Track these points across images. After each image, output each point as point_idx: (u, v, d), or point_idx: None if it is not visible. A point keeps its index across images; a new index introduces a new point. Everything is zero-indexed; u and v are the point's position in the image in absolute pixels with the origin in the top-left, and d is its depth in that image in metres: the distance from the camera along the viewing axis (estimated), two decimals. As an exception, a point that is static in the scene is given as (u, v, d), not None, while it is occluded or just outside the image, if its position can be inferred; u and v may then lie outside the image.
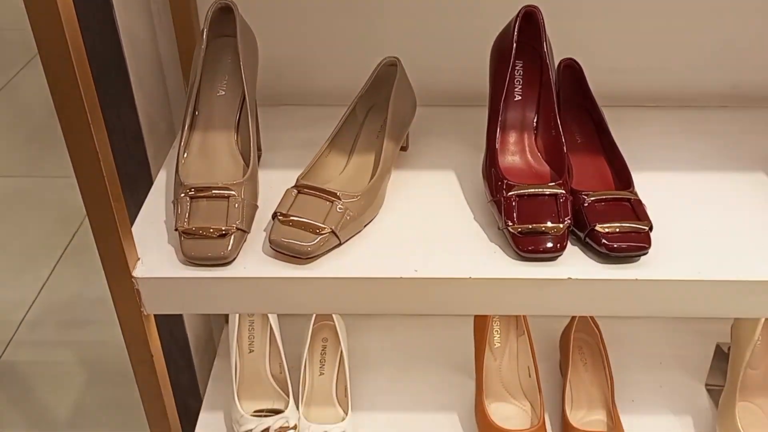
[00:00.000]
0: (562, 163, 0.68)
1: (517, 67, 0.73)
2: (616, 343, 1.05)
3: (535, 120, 0.72)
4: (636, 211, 0.66)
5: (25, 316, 1.50)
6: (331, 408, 0.94)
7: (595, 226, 0.64)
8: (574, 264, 0.65)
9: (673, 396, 1.00)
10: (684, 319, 1.10)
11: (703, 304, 0.64)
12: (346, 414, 0.91)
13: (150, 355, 0.66)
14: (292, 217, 0.65)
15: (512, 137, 0.72)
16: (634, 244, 0.63)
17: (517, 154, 0.71)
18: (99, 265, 0.61)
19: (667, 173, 0.78)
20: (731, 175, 0.77)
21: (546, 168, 0.70)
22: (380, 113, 0.78)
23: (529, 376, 0.93)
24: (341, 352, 0.97)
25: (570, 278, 0.63)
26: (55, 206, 1.78)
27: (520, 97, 0.72)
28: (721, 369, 0.98)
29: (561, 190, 0.65)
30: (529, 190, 0.65)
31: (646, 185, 0.70)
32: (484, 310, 0.65)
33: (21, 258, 1.66)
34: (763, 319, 0.89)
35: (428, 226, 0.70)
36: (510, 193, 0.65)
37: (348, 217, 0.66)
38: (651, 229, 0.65)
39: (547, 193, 0.65)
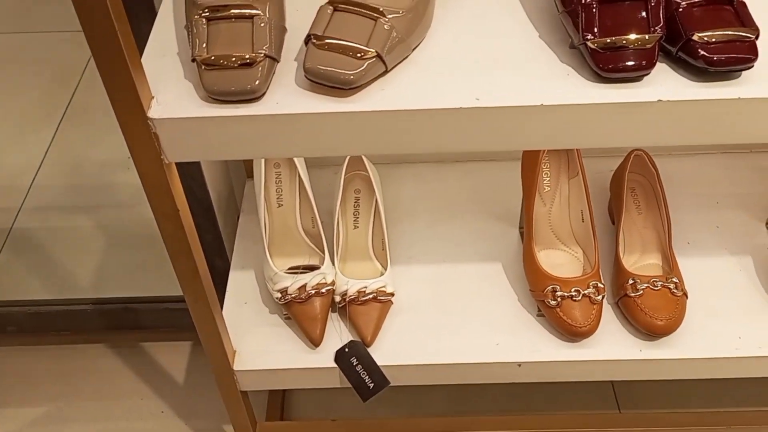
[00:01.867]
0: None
1: None
2: (669, 183, 0.98)
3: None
4: (740, 15, 0.55)
5: (33, 181, 1.43)
6: (369, 262, 0.88)
7: (692, 35, 0.53)
8: (664, 83, 0.55)
9: (732, 236, 0.93)
10: (741, 154, 1.02)
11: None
12: (385, 268, 0.85)
13: (176, 209, 0.59)
14: (329, 40, 0.54)
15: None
16: (738, 56, 0.53)
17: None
18: (104, 124, 0.52)
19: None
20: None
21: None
22: None
23: (582, 221, 0.86)
24: (376, 202, 0.90)
25: (660, 100, 0.53)
26: (50, 63, 1.65)
27: None
28: (788, 205, 0.91)
29: None
30: (613, -6, 0.54)
31: None
32: (559, 144, 0.56)
33: (21, 120, 1.56)
34: None
35: (486, 47, 0.59)
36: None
37: (395, 38, 0.55)
38: (758, 37, 0.54)
39: (635, -4, 0.54)
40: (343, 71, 0.53)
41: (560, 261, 0.86)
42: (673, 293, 0.82)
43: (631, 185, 0.94)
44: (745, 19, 0.55)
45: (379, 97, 0.55)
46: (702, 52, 0.53)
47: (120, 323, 1.11)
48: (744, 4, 0.56)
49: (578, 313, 0.80)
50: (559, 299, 0.81)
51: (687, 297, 0.84)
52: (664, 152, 1.00)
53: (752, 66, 0.54)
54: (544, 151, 0.86)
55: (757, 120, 0.54)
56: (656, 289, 0.82)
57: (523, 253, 0.87)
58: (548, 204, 0.88)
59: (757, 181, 0.99)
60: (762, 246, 0.92)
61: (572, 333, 0.81)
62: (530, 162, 0.86)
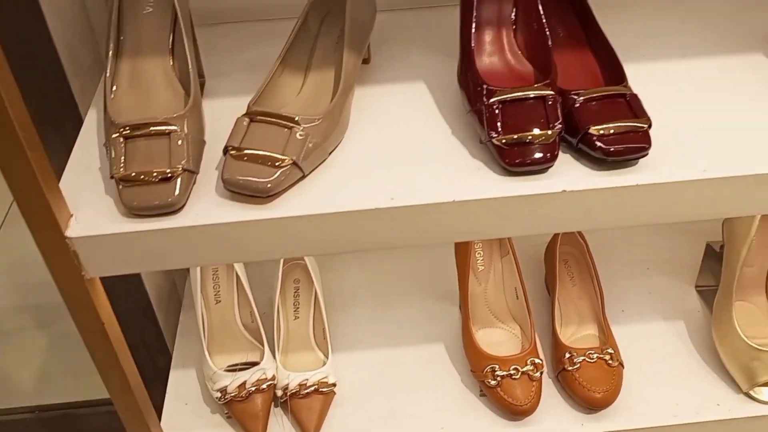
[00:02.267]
0: (548, 61, 0.60)
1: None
2: (600, 253, 1.01)
3: (513, 14, 0.63)
4: (633, 107, 0.59)
5: (-26, 283, 1.40)
6: (310, 353, 0.88)
7: (588, 128, 0.57)
8: (568, 173, 0.58)
9: (664, 301, 0.96)
10: (669, 221, 1.06)
11: (713, 205, 0.58)
12: (327, 358, 0.85)
13: (101, 322, 0.58)
14: (246, 150, 0.56)
15: (489, 36, 0.63)
16: (633, 146, 0.56)
17: (496, 54, 0.63)
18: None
19: (660, 62, 0.71)
20: (729, 59, 0.70)
21: (529, 68, 0.62)
22: (336, 21, 0.68)
23: (517, 298, 0.88)
24: (315, 292, 0.90)
25: (564, 191, 0.56)
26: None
27: (494, -9, 0.63)
28: (712, 269, 0.94)
29: (548, 91, 0.57)
30: (513, 95, 0.57)
31: (640, 78, 0.63)
32: (473, 236, 0.58)
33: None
34: (759, 215, 0.84)
35: (401, 146, 0.62)
36: (492, 100, 0.57)
37: (311, 145, 0.57)
38: (650, 126, 0.58)
39: (533, 95, 0.57)
40: (259, 180, 0.55)
41: (499, 339, 0.87)
42: (608, 364, 0.84)
43: (564, 257, 0.97)
44: (637, 111, 0.58)
45: (297, 203, 0.57)
46: (599, 144, 0.56)
47: (62, 430, 1.07)
48: (636, 97, 0.60)
49: (519, 392, 0.81)
50: (498, 378, 0.81)
51: (623, 366, 0.86)
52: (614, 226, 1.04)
53: (646, 154, 0.57)
54: (475, 231, 0.89)
55: (655, 203, 0.57)
56: (592, 361, 0.83)
57: (462, 335, 0.88)
58: (483, 283, 0.90)
59: (685, 245, 1.03)
60: (693, 309, 0.94)
61: (514, 412, 0.81)
62: (462, 244, 0.88)
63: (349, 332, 0.92)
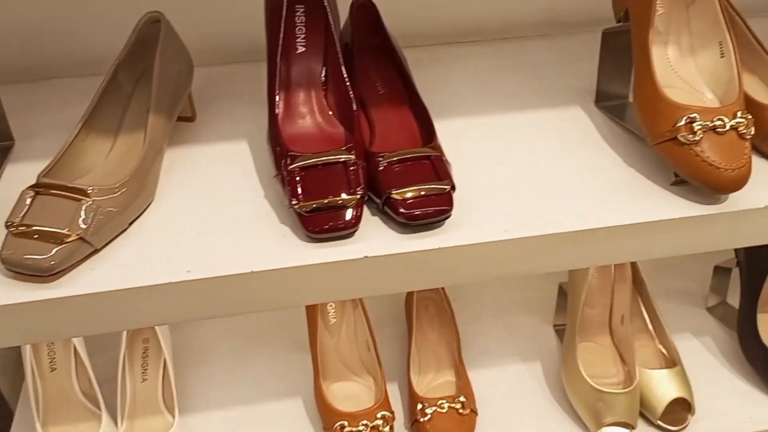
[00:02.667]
0: (352, 123, 0.59)
1: (297, 13, 0.62)
2: (462, 296, 1.02)
3: (323, 74, 0.63)
4: (437, 169, 0.58)
5: None
6: (159, 416, 0.84)
7: (390, 192, 0.56)
8: (375, 237, 0.57)
9: (523, 342, 0.97)
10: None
11: (517, 264, 0.59)
12: (175, 421, 0.82)
13: None
14: (27, 227, 0.53)
15: (299, 96, 0.62)
16: (434, 209, 0.56)
17: (307, 116, 0.62)
18: None
19: (482, 117, 0.72)
20: (549, 112, 0.72)
21: (340, 129, 0.61)
22: (150, 81, 0.66)
23: (368, 350, 0.87)
24: (164, 351, 0.87)
25: (366, 257, 0.55)
26: None
27: (303, 48, 0.62)
28: (566, 308, 0.96)
29: (349, 156, 0.57)
30: (313, 160, 0.56)
31: (459, 134, 0.64)
32: (276, 304, 0.56)
33: None
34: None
35: (209, 212, 0.60)
36: (293, 166, 0.56)
37: (102, 217, 0.54)
38: (453, 188, 0.58)
39: (334, 161, 0.56)
40: (41, 257, 0.52)
41: (354, 392, 0.86)
42: (460, 413, 0.83)
43: (425, 302, 0.97)
44: (441, 173, 0.58)
45: (86, 279, 0.54)
46: (400, 209, 0.56)
47: None
48: (441, 158, 0.59)
49: (366, 450, 0.80)
50: (348, 435, 0.80)
51: (476, 413, 0.86)
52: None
53: (449, 216, 0.57)
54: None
55: (460, 264, 0.57)
56: (443, 411, 0.83)
57: (314, 390, 0.86)
58: (336, 336, 0.88)
59: (544, 284, 1.04)
60: (550, 349, 0.95)
61: (368, 471, 0.80)
62: (311, 297, 0.86)
63: (203, 390, 0.89)
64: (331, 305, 0.89)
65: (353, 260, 0.55)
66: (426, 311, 0.96)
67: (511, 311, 1.01)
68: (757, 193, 0.61)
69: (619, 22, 0.67)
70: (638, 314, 0.95)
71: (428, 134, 0.62)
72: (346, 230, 0.55)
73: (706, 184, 0.58)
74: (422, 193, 0.56)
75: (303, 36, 0.62)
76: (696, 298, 1.04)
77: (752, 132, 0.59)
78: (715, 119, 0.58)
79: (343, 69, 0.60)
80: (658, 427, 0.86)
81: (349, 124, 0.60)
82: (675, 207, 0.60)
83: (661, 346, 0.92)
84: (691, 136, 0.58)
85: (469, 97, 0.75)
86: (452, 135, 0.68)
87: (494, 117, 0.71)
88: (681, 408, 0.86)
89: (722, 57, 0.62)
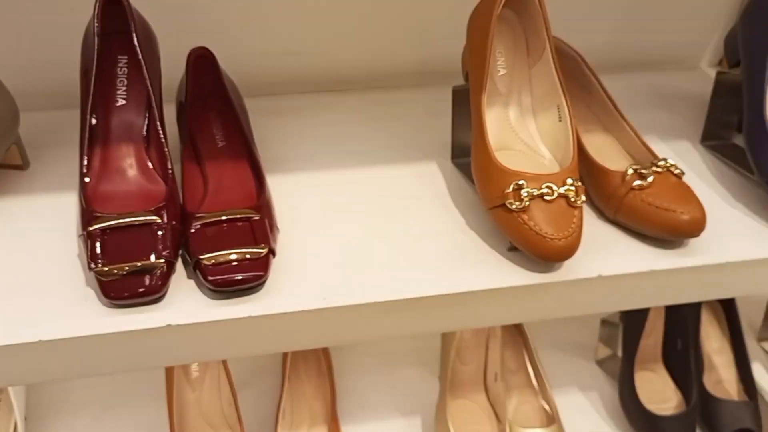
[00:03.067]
0: (167, 181, 0.56)
1: (119, 64, 0.60)
2: (346, 345, 0.99)
3: (145, 128, 0.60)
4: (255, 232, 0.56)
5: None
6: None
7: (199, 257, 0.53)
8: (183, 304, 0.54)
9: (406, 394, 0.94)
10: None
11: (334, 332, 0.56)
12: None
13: None
14: None
15: (117, 151, 0.59)
16: (245, 275, 0.53)
17: (125, 172, 0.59)
18: None
19: (330, 172, 0.69)
20: (402, 168, 0.70)
21: (161, 188, 0.58)
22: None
23: (230, 405, 0.83)
24: (14, 411, 0.82)
25: (169, 325, 0.52)
26: None
27: (124, 101, 0.60)
28: (447, 362, 0.93)
29: (154, 218, 0.54)
30: (114, 222, 0.53)
31: (301, 190, 0.62)
32: (67, 375, 0.52)
33: None
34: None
35: (15, 271, 0.56)
36: (94, 227, 0.53)
37: None
38: (272, 252, 0.55)
39: (139, 222, 0.53)
40: None
41: (213, 450, 0.82)
42: (324, 473, 0.80)
43: (303, 353, 0.94)
44: (258, 236, 0.56)
45: None
46: (209, 275, 0.53)
47: None
48: (261, 220, 0.57)
49: None
50: (201, 497, 0.76)
51: (344, 473, 0.83)
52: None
53: (262, 283, 0.54)
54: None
55: (273, 333, 0.54)
56: (306, 471, 0.80)
57: (171, 447, 0.82)
58: (197, 390, 0.84)
59: (433, 335, 1.02)
60: (433, 403, 0.93)
61: None
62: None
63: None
64: (194, 358, 0.85)
65: (155, 329, 0.52)
66: (304, 362, 0.93)
67: (398, 362, 0.98)
68: (592, 261, 0.59)
69: (466, 80, 0.65)
70: (522, 368, 0.93)
71: (252, 194, 0.59)
72: (147, 297, 0.52)
73: (534, 252, 0.56)
74: (234, 257, 0.54)
75: (124, 88, 0.59)
76: (588, 350, 1.03)
77: (582, 200, 0.57)
78: (543, 186, 0.56)
79: (158, 123, 0.57)
80: (532, 487, 0.84)
81: (168, 182, 0.57)
82: (507, 275, 0.58)
83: (543, 402, 0.90)
84: (518, 203, 0.56)
85: (323, 149, 0.73)
86: (294, 191, 0.66)
87: (344, 172, 0.69)
88: (556, 468, 0.84)
89: (560, 121, 0.61)
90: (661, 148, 0.75)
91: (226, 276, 0.53)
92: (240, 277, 0.53)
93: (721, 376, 0.96)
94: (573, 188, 0.57)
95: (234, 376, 0.91)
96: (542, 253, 0.56)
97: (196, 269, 0.54)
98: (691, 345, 0.90)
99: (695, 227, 0.59)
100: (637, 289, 0.60)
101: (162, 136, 0.57)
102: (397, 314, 0.56)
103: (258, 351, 0.55)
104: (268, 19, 0.79)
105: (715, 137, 0.74)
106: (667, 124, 0.79)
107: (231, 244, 0.54)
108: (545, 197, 0.56)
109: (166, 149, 0.57)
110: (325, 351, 0.92)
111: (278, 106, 0.80)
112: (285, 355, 0.91)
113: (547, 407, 0.89)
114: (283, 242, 0.60)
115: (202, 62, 0.64)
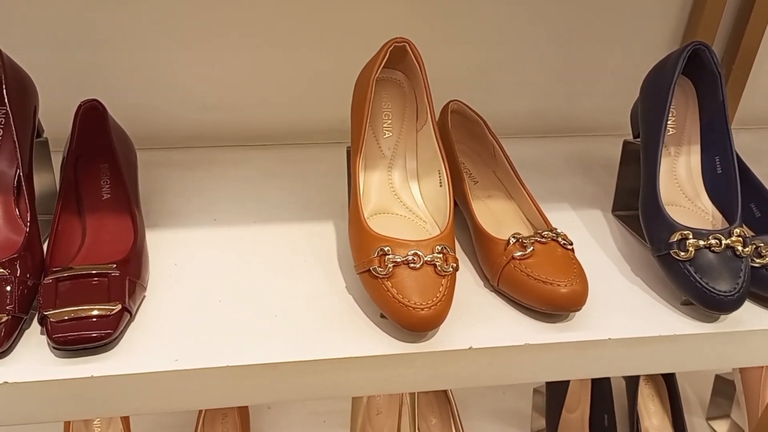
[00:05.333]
0: (26, 233, 0.56)
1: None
2: (275, 404, 0.96)
3: (15, 179, 0.60)
4: (110, 288, 0.54)
5: None
6: None
7: (44, 312, 0.52)
8: (28, 360, 0.52)
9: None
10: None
11: (186, 396, 0.54)
12: None
13: None
14: None
15: (-12, 201, 0.59)
16: (89, 333, 0.52)
17: (-7, 222, 0.59)
18: None
19: (224, 229, 0.69)
20: (303, 226, 0.69)
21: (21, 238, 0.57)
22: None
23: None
24: None
25: (6, 382, 0.51)
26: None
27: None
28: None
29: (4, 270, 0.53)
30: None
31: (193, 244, 0.61)
32: None
33: None
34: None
35: None
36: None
37: None
38: (128, 311, 0.54)
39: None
40: None
41: None
42: None
43: (223, 410, 0.91)
44: (114, 293, 0.54)
45: None
46: (52, 332, 0.52)
47: None
48: (120, 278, 0.55)
49: None
50: None
51: None
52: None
53: (109, 341, 0.53)
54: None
55: (119, 394, 0.53)
56: None
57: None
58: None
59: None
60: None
61: None
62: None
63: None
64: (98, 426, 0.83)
65: (-8, 386, 0.50)
66: (222, 421, 0.91)
67: (325, 423, 0.95)
68: (467, 331, 0.57)
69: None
70: (448, 438, 0.90)
71: (125, 249, 0.58)
72: (-14, 355, 0.51)
73: (397, 321, 0.54)
74: (81, 315, 0.52)
75: (-1, 135, 0.59)
76: (524, 419, 0.99)
77: (452, 268, 0.55)
78: (409, 253, 0.54)
79: (24, 176, 0.57)
80: None
81: (31, 235, 0.56)
82: (373, 343, 0.56)
83: (467, 475, 0.87)
84: (381, 269, 0.54)
85: (223, 206, 0.72)
86: (181, 247, 0.65)
87: (236, 230, 0.68)
88: None
89: (440, 186, 0.60)
90: (570, 216, 0.73)
91: (69, 333, 0.51)
92: (82, 335, 0.52)
93: (659, 455, 0.92)
94: (441, 255, 0.55)
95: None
96: (405, 322, 0.54)
97: (42, 325, 0.53)
98: (618, 421, 0.86)
99: (574, 301, 0.56)
100: (512, 363, 0.57)
101: (25, 187, 0.57)
102: (252, 379, 0.54)
103: (104, 413, 0.53)
104: (187, 74, 0.79)
105: (625, 207, 0.72)
106: (581, 192, 0.77)
107: (80, 300, 0.53)
108: (410, 264, 0.54)
109: (26, 201, 0.56)
110: (242, 408, 0.90)
111: (192, 159, 0.80)
112: (199, 414, 0.88)
113: (470, 480, 0.85)
114: (150, 300, 0.59)
115: (91, 114, 0.64)
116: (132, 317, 0.56)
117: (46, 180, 0.66)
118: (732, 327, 0.58)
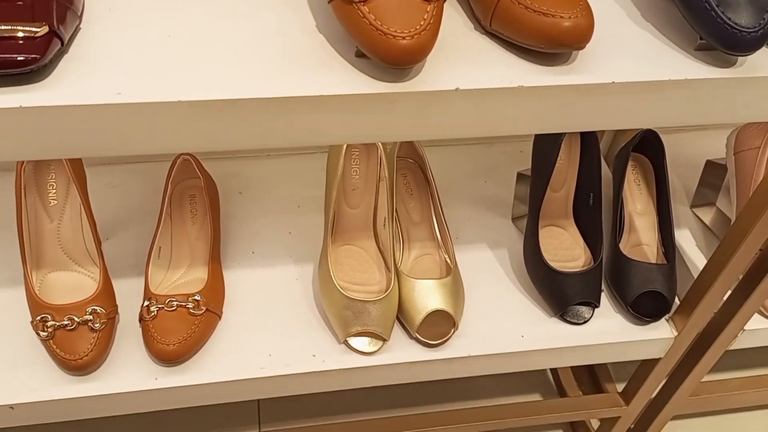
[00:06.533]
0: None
1: None
2: (250, 189, 0.92)
3: None
4: (34, 8, 0.46)
5: None
6: None
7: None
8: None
9: (301, 242, 0.88)
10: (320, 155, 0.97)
11: (129, 135, 0.48)
12: None
13: None
14: None
15: None
16: (11, 57, 0.44)
17: None
18: None
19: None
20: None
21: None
22: None
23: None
24: None
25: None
26: None
27: None
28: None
29: None
30: None
31: None
32: None
33: None
34: (345, 146, 0.76)
35: None
36: None
37: None
38: (58, 37, 0.46)
39: None
40: None
41: (73, 284, 0.76)
42: (191, 313, 0.75)
43: (190, 192, 0.86)
44: (38, 13, 0.46)
45: None
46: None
47: None
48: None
49: (73, 344, 0.71)
50: (50, 330, 0.71)
51: (218, 315, 0.78)
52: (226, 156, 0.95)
53: (35, 66, 0.45)
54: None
55: (50, 131, 0.46)
56: (171, 309, 0.74)
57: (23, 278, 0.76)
58: (56, 220, 0.77)
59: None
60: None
61: (69, 367, 0.72)
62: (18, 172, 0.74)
63: None
64: (51, 184, 0.77)
65: None
66: (190, 202, 0.86)
67: (299, 208, 0.91)
68: (454, 72, 0.50)
69: None
70: (427, 221, 0.86)
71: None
72: None
73: (374, 53, 0.47)
74: (2, 35, 0.44)
75: None
76: (506, 207, 0.96)
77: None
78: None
79: None
80: (417, 339, 0.79)
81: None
82: (347, 82, 0.49)
83: (445, 255, 0.84)
84: (356, -11, 0.46)
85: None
86: None
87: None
88: (445, 321, 0.79)
89: None
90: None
91: (-8, 55, 0.44)
92: (9, 58, 0.44)
93: (641, 239, 0.90)
94: None
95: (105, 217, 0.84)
96: (384, 54, 0.46)
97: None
98: (602, 202, 0.83)
99: (577, 36, 0.49)
100: (503, 109, 0.51)
101: None
102: (209, 120, 0.48)
103: (39, 153, 0.47)
104: None
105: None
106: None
107: (3, 19, 0.45)
108: None
109: None
110: (210, 190, 0.85)
111: None
112: (164, 193, 0.83)
113: (448, 260, 0.83)
114: (86, 34, 0.50)
115: None
116: (63, 47, 0.48)
117: None
118: (750, 72, 0.52)
